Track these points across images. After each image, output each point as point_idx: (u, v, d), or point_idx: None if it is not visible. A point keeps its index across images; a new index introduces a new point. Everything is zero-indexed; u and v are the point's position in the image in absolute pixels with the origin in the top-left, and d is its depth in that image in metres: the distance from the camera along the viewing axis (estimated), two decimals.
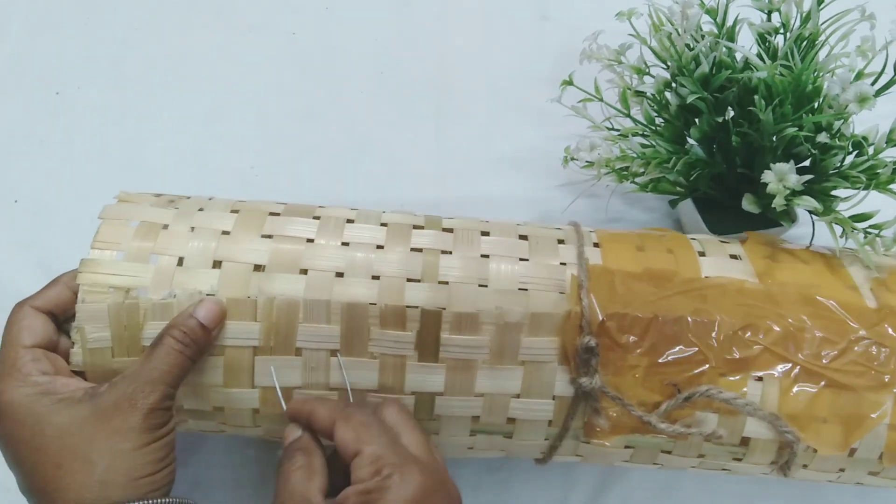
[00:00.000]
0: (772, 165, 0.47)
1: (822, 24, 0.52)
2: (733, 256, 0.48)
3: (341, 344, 0.43)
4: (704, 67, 0.53)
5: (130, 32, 0.76)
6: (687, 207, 0.61)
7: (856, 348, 0.44)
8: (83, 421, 0.37)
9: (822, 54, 0.51)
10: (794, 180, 0.46)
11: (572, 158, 0.60)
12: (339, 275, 0.43)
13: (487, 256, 0.45)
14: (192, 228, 0.44)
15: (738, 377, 0.43)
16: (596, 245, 0.47)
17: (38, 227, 0.64)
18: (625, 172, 0.58)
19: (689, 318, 0.44)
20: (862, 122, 0.48)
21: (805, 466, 0.45)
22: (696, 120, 0.55)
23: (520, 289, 0.44)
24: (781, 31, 0.54)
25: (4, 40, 0.75)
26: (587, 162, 0.59)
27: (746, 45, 0.54)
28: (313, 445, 0.40)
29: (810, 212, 0.50)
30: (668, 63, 0.57)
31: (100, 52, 0.75)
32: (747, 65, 0.51)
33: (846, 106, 0.46)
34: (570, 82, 0.61)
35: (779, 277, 0.46)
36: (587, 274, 0.44)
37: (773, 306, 0.45)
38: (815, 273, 0.47)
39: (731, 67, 0.52)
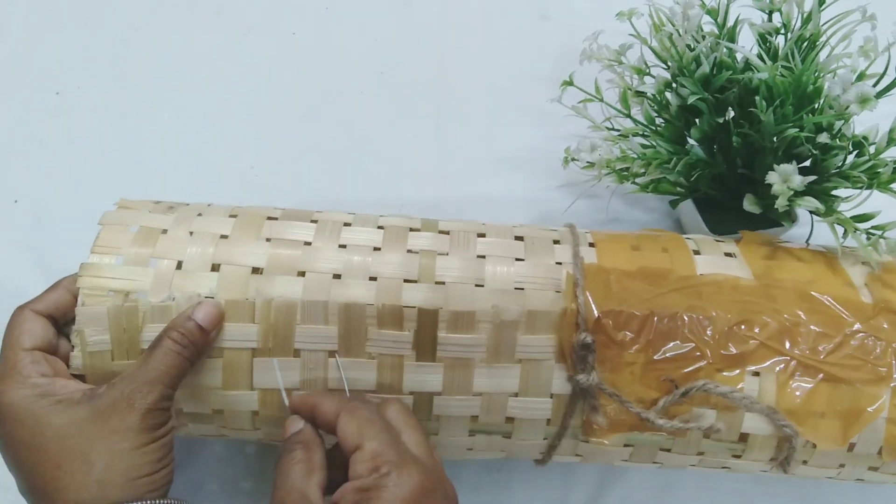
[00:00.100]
0: (776, 167, 0.47)
1: (823, 25, 0.52)
2: (728, 255, 0.48)
3: (339, 344, 0.43)
4: (705, 68, 0.53)
5: (130, 32, 0.76)
6: (687, 208, 0.61)
7: (852, 342, 0.44)
8: (82, 422, 0.38)
9: (822, 55, 0.51)
10: (798, 181, 0.46)
11: (573, 159, 0.60)
12: (337, 276, 0.43)
13: (484, 257, 0.45)
14: (191, 233, 0.45)
15: (734, 372, 0.43)
16: (591, 245, 0.47)
17: (38, 227, 0.65)
18: (625, 173, 0.58)
19: (685, 315, 0.44)
20: (862, 123, 0.48)
21: (805, 463, 0.45)
22: (697, 120, 0.55)
23: (516, 288, 0.44)
24: (782, 31, 0.53)
25: (4, 40, 0.75)
26: (587, 163, 0.59)
27: (747, 45, 0.54)
28: (314, 439, 0.40)
29: (812, 212, 0.50)
30: (669, 63, 0.57)
31: (100, 52, 0.75)
32: (748, 65, 0.51)
33: (847, 107, 0.46)
34: (570, 82, 0.61)
35: (775, 275, 0.47)
36: (583, 272, 0.44)
37: (768, 302, 0.45)
38: (811, 270, 0.47)
39: (732, 68, 0.52)
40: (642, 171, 0.56)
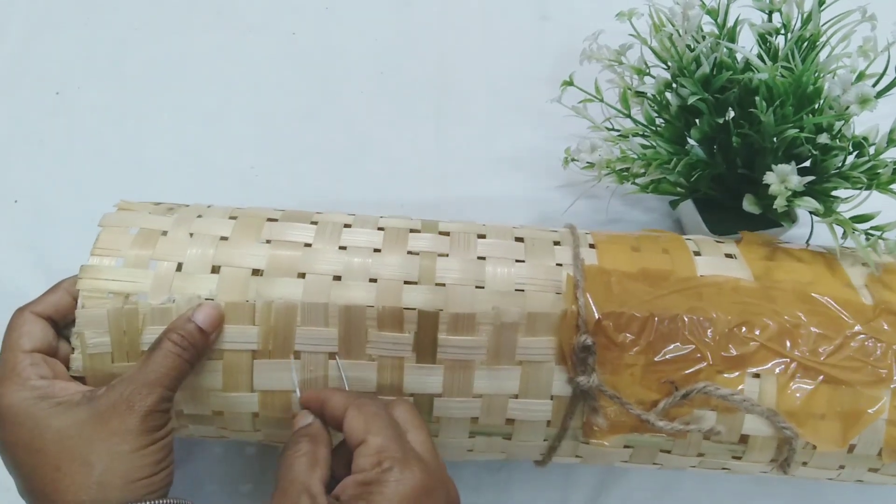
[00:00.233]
0: (773, 167, 0.47)
1: (823, 25, 0.52)
2: (729, 256, 0.48)
3: (339, 346, 0.43)
4: (705, 68, 0.53)
5: (130, 32, 0.76)
6: (687, 208, 0.60)
7: (852, 344, 0.44)
8: (81, 423, 0.38)
9: (822, 55, 0.51)
10: (796, 181, 0.46)
11: (573, 159, 0.60)
12: (337, 278, 0.43)
13: (484, 259, 0.45)
14: (191, 235, 0.45)
15: (735, 374, 0.43)
16: (592, 246, 0.47)
17: (38, 227, 0.65)
18: (625, 173, 0.58)
19: (685, 317, 0.44)
20: (862, 123, 0.48)
21: (805, 464, 0.45)
22: (697, 121, 0.55)
23: (516, 290, 0.44)
24: (782, 31, 0.53)
25: (4, 40, 0.75)
26: (587, 163, 0.59)
27: (747, 45, 0.54)
28: (321, 434, 0.40)
29: (811, 212, 0.50)
30: (669, 64, 0.57)
31: (100, 52, 0.75)
32: (748, 66, 0.51)
33: (847, 107, 0.46)
34: (570, 83, 0.61)
35: (775, 276, 0.47)
36: (583, 274, 0.44)
37: (768, 303, 0.45)
38: (811, 271, 0.47)
39: (732, 68, 0.52)
40: (642, 171, 0.56)
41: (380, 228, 0.46)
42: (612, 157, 0.58)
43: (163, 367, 0.39)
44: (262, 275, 0.43)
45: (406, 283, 0.43)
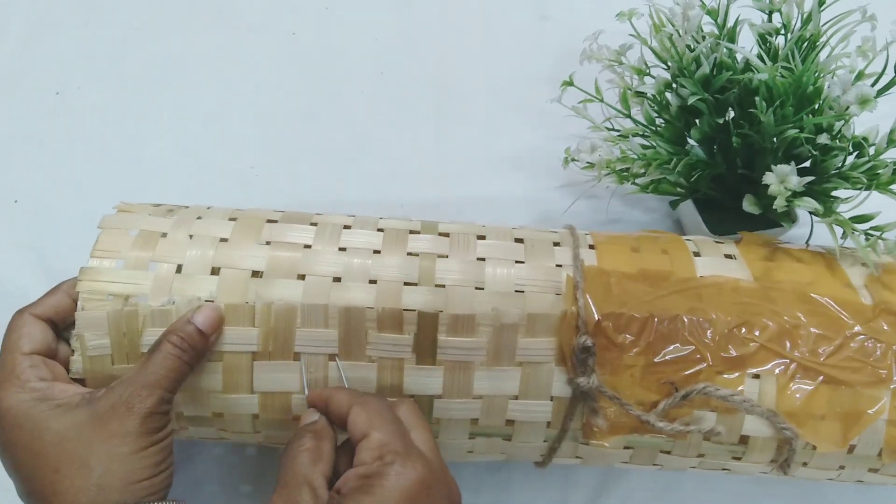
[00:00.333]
0: (773, 167, 0.47)
1: (823, 25, 0.52)
2: (728, 256, 0.48)
3: (339, 348, 0.43)
4: (705, 68, 0.53)
5: (130, 32, 0.76)
6: (687, 208, 0.60)
7: (851, 344, 0.44)
8: (81, 425, 0.38)
9: (822, 55, 0.51)
10: (796, 182, 0.46)
11: (573, 159, 0.60)
12: (337, 280, 0.43)
13: (484, 260, 0.45)
14: (191, 236, 0.45)
15: (734, 375, 0.43)
16: (591, 247, 0.47)
17: (38, 227, 0.65)
18: (625, 173, 0.58)
19: (685, 317, 0.44)
20: (862, 123, 0.48)
21: (805, 464, 0.45)
22: (697, 121, 0.55)
23: (516, 291, 0.44)
24: (782, 31, 0.53)
25: (4, 40, 0.75)
26: (587, 163, 0.59)
27: (747, 46, 0.54)
28: (326, 430, 0.40)
29: (811, 213, 0.50)
30: (669, 64, 0.57)
31: (100, 52, 0.75)
32: (748, 66, 0.51)
33: (847, 107, 0.45)
34: (570, 83, 0.61)
35: (774, 276, 0.47)
36: (583, 275, 0.44)
37: (768, 304, 0.45)
38: (810, 271, 0.47)
39: (732, 68, 0.52)
40: (642, 171, 0.56)
41: (379, 230, 0.46)
42: (612, 157, 0.57)
43: (162, 369, 0.39)
44: (261, 276, 0.43)
45: (406, 284, 0.43)
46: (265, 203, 0.53)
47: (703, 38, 0.53)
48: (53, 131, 0.70)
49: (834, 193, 0.51)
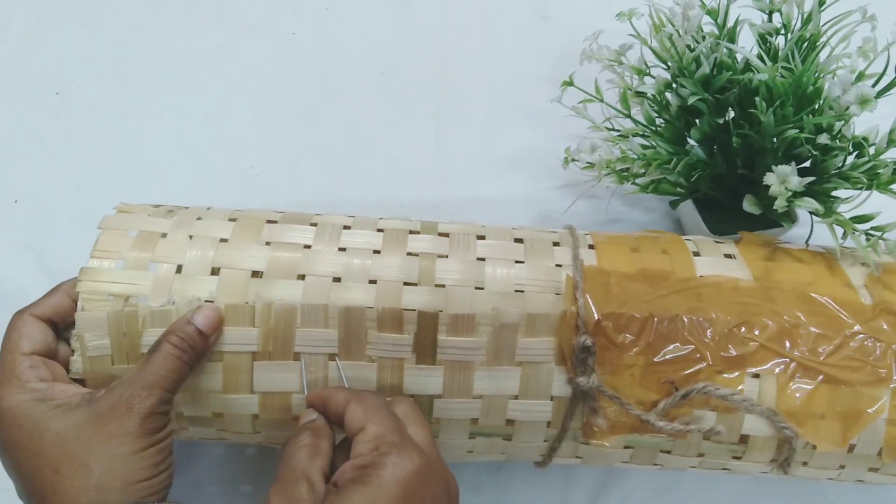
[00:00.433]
0: (773, 167, 0.47)
1: (823, 26, 0.52)
2: (728, 256, 0.48)
3: (339, 348, 0.43)
4: (705, 68, 0.53)
5: (130, 32, 0.76)
6: (687, 208, 0.60)
7: (851, 344, 0.44)
8: (80, 426, 0.38)
9: (823, 56, 0.51)
10: (796, 182, 0.46)
11: (573, 159, 0.60)
12: (337, 280, 0.43)
13: (483, 260, 0.45)
14: (191, 237, 0.45)
15: (734, 374, 0.43)
16: (591, 247, 0.47)
17: (38, 227, 0.65)
18: (625, 173, 0.58)
19: (685, 317, 0.44)
20: (862, 123, 0.48)
21: (805, 464, 0.45)
22: (697, 121, 0.55)
23: (516, 290, 0.44)
24: (782, 32, 0.53)
25: (4, 40, 0.75)
26: (587, 163, 0.59)
27: (747, 46, 0.54)
28: (324, 428, 0.40)
29: (811, 213, 0.50)
30: (669, 64, 0.57)
31: (100, 52, 0.75)
32: (748, 66, 0.51)
33: (847, 108, 0.45)
34: (570, 83, 0.61)
35: (774, 276, 0.47)
36: (582, 274, 0.44)
37: (768, 303, 0.45)
38: (810, 271, 0.47)
39: (732, 68, 0.52)
40: (642, 171, 0.56)
41: (379, 230, 0.46)
42: (612, 157, 0.57)
43: (162, 370, 0.39)
44: (261, 276, 0.43)
45: (406, 284, 0.43)
46: (265, 203, 0.53)
47: (703, 38, 0.53)
48: (53, 131, 0.70)
49: (834, 193, 0.51)
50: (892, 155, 0.48)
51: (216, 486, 0.55)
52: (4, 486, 0.41)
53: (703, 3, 0.55)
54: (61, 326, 0.43)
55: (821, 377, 0.43)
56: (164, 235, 0.45)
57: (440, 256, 0.45)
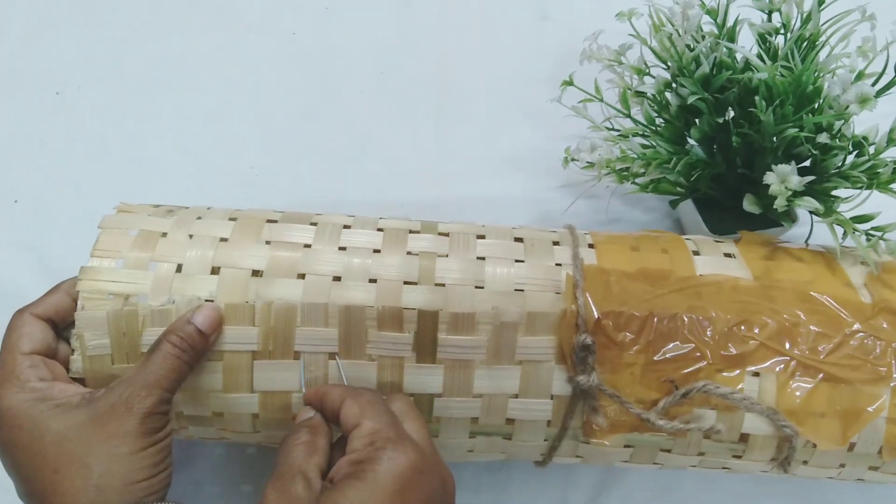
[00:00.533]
0: (773, 167, 0.47)
1: (822, 25, 0.52)
2: (728, 255, 0.48)
3: (339, 346, 0.43)
4: (705, 68, 0.53)
5: (130, 32, 0.76)
6: (687, 208, 0.60)
7: (851, 342, 0.44)
8: (80, 425, 0.37)
9: (822, 55, 0.51)
10: (796, 181, 0.46)
11: (573, 159, 0.60)
12: (337, 279, 0.43)
13: (483, 259, 0.45)
14: (191, 236, 0.45)
15: (734, 373, 0.43)
16: (591, 246, 0.47)
17: (38, 227, 0.65)
18: (625, 173, 0.58)
19: (685, 316, 0.44)
20: (862, 123, 0.48)
21: (805, 463, 0.45)
22: (697, 120, 0.55)
23: (516, 289, 0.44)
24: (782, 31, 0.53)
25: (4, 40, 0.75)
26: (587, 163, 0.59)
27: (747, 45, 0.54)
28: (321, 426, 0.40)
29: (811, 212, 0.50)
30: (669, 63, 0.57)
31: (100, 52, 0.75)
32: (748, 65, 0.51)
33: (847, 107, 0.45)
34: (570, 83, 0.61)
35: (774, 275, 0.47)
36: (582, 273, 0.45)
37: (768, 302, 0.45)
38: (810, 270, 0.47)
39: (732, 68, 0.52)
40: (642, 171, 0.56)
41: (379, 229, 0.47)
42: (612, 157, 0.58)
43: (162, 369, 0.39)
44: (261, 276, 0.43)
45: (406, 283, 0.43)
46: (265, 203, 0.53)
47: (703, 37, 0.53)
48: (53, 131, 0.70)
49: (834, 193, 0.51)
50: (892, 154, 0.48)
51: (216, 486, 0.55)
52: (4, 486, 0.41)
53: (702, 2, 0.55)
54: (61, 326, 0.43)
55: (821, 376, 0.43)
56: (164, 235, 0.45)
57: (440, 256, 0.45)
